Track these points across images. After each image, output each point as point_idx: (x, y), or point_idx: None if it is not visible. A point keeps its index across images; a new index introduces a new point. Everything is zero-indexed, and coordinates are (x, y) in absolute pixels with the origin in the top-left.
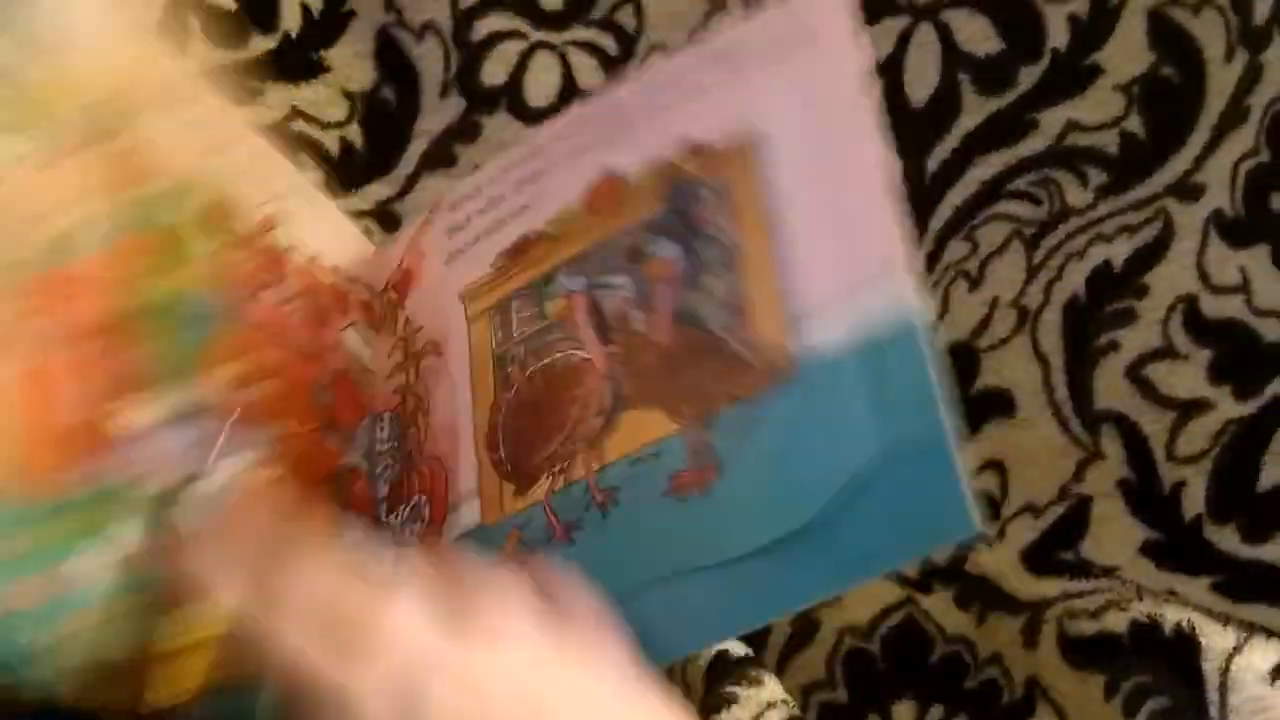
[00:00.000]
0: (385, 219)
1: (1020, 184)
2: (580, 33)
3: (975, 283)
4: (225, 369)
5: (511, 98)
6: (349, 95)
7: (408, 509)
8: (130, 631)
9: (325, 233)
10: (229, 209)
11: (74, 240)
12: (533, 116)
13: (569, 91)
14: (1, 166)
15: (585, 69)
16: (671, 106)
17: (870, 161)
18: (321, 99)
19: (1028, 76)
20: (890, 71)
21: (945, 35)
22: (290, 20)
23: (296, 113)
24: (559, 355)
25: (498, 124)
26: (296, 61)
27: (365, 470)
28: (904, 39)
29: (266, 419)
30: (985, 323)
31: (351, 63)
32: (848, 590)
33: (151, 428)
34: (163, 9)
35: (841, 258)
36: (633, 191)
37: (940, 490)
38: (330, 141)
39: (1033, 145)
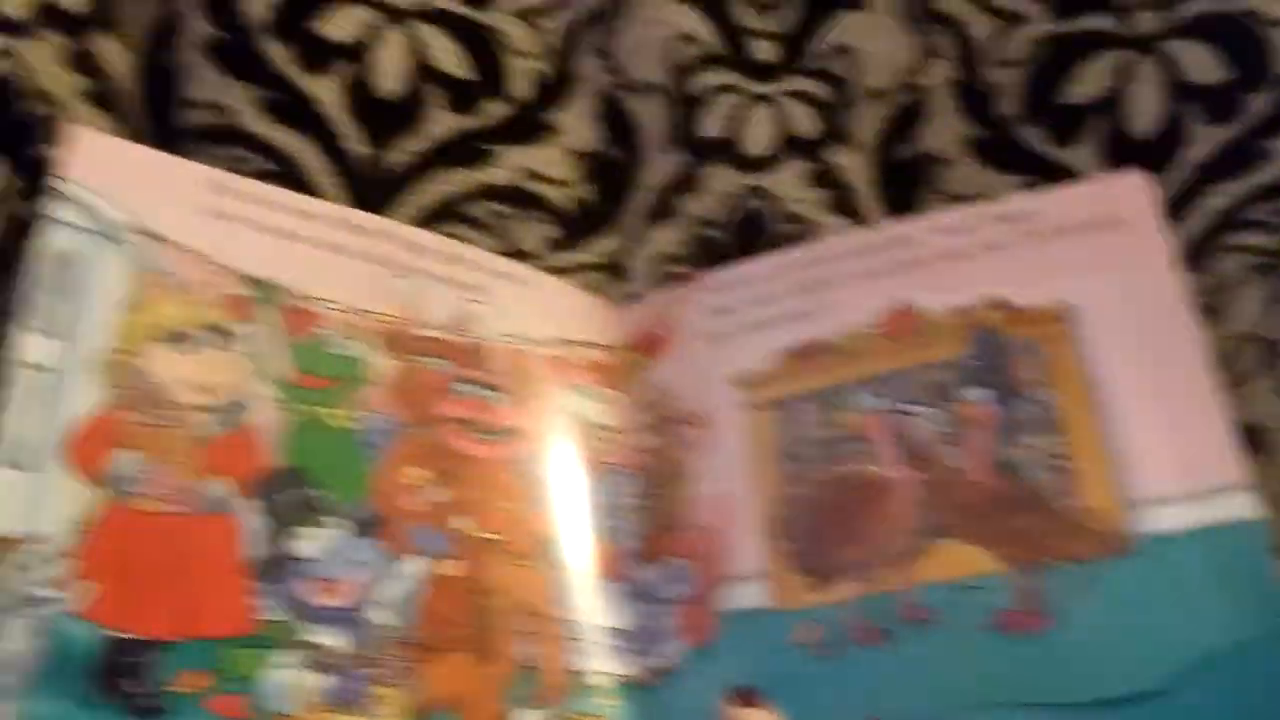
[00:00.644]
0: (614, 271)
1: (1256, 213)
2: (795, 83)
3: (1215, 317)
4: (404, 477)
5: (730, 149)
6: (576, 154)
7: (664, 568)
8: None
9: (538, 307)
10: (404, 328)
11: (235, 410)
12: (751, 166)
13: (785, 140)
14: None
15: (801, 117)
16: (970, 257)
17: (1197, 366)
18: (551, 159)
19: (1257, 103)
20: (1111, 107)
21: (1167, 66)
22: (521, 87)
23: (529, 173)
24: (859, 468)
25: (717, 175)
26: (528, 125)
27: (604, 525)
28: (1124, 73)
29: (450, 516)
30: (1228, 359)
31: (578, 123)
32: None
33: (332, 547)
34: (405, 83)
35: (1181, 459)
36: (932, 329)
37: None
38: (560, 200)
39: (1267, 173)
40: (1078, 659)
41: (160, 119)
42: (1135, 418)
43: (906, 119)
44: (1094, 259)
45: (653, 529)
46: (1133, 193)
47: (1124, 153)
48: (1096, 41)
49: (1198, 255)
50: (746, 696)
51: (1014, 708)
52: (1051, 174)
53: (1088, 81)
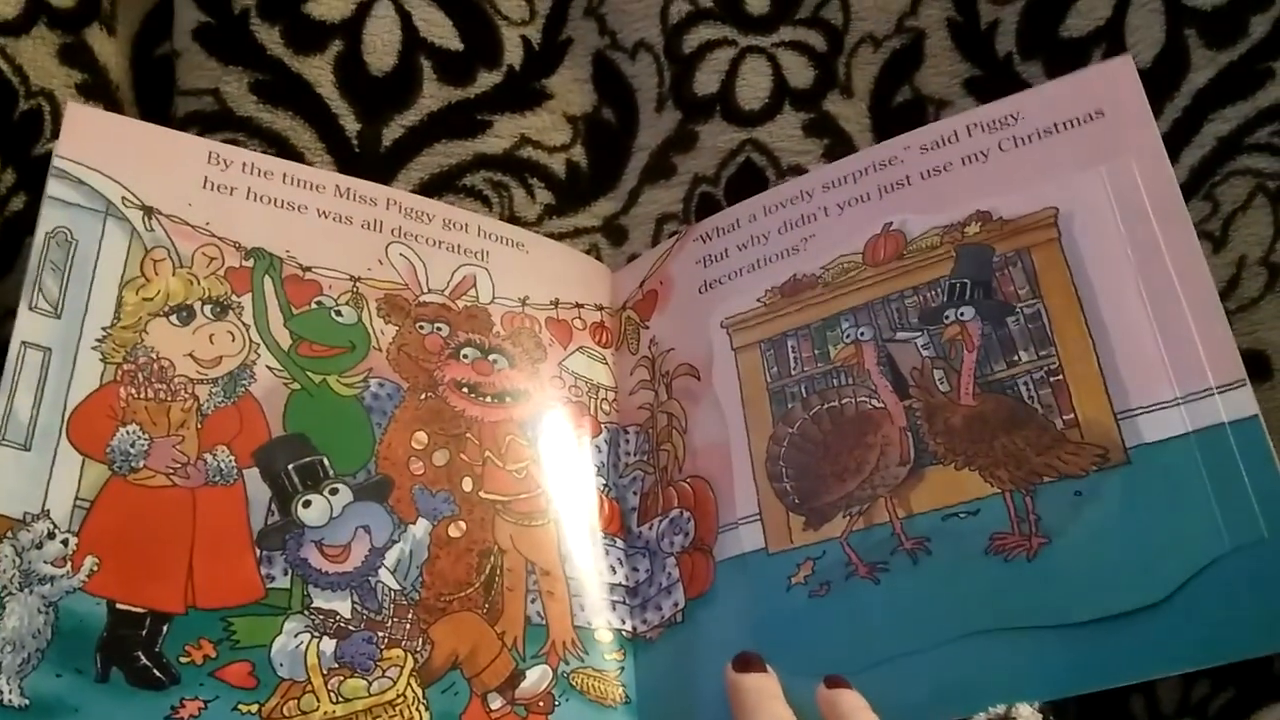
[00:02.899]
0: (613, 233)
1: (1261, 136)
2: (788, 33)
3: (1219, 243)
4: (409, 440)
5: (724, 104)
6: (571, 119)
7: (665, 522)
8: None
9: (538, 271)
10: (406, 294)
11: (237, 381)
12: (745, 119)
13: (781, 91)
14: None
15: (795, 68)
16: (953, 169)
17: (1190, 257)
18: (546, 125)
19: (1260, 25)
20: (1110, 36)
21: None
22: (513, 54)
23: (525, 140)
24: (848, 400)
25: (713, 130)
26: (521, 92)
27: (607, 482)
28: (1123, 1)
29: (454, 478)
30: (1233, 283)
31: (572, 88)
32: (1185, 671)
33: (338, 513)
34: (396, 56)
35: (1177, 359)
36: (918, 250)
37: None
38: (557, 165)
39: (1271, 95)
40: (1073, 580)
41: (154, 108)
42: (1127, 320)
43: (903, 63)
44: (1079, 155)
45: (654, 484)
46: (1115, 80)
47: None
48: None
49: (1202, 182)
50: (748, 662)
51: (1012, 632)
52: None
53: (1086, 13)
